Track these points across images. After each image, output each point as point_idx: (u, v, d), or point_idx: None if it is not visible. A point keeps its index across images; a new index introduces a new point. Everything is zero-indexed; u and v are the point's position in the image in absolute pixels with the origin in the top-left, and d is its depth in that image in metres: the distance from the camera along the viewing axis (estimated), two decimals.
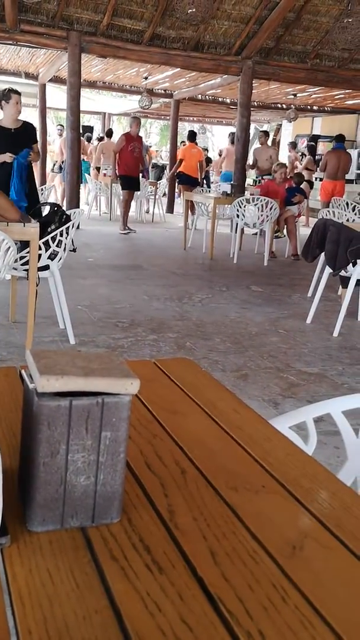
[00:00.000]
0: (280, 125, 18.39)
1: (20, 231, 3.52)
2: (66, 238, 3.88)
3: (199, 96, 13.71)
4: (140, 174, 10.25)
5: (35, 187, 5.59)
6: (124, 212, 9.90)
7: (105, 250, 8.05)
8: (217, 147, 21.08)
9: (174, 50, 9.14)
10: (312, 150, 14.00)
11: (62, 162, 11.86)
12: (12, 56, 11.04)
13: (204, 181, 13.44)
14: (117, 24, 8.70)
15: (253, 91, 10.14)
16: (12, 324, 4.28)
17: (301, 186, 8.85)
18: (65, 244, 3.88)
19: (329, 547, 0.78)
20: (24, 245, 3.68)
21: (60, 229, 3.82)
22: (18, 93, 5.38)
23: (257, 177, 10.58)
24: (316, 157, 13.68)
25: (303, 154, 13.82)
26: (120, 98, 16.28)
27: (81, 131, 10.51)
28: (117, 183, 10.12)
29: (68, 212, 4.03)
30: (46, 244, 3.77)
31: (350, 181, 12.21)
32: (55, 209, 4.05)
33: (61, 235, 3.83)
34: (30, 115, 13.11)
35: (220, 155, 14.45)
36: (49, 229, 3.84)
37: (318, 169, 11.75)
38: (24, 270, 3.76)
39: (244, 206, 7.49)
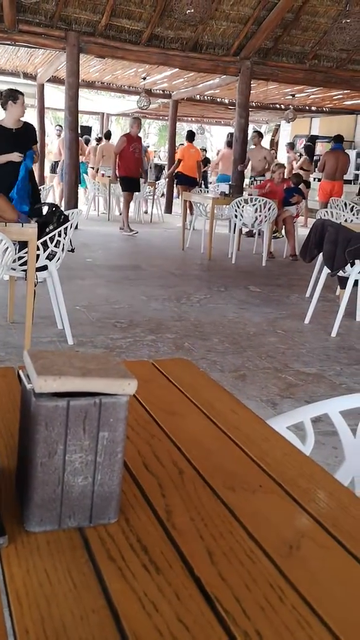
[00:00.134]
0: (279, 125, 18.40)
1: (18, 231, 3.51)
2: (64, 238, 3.87)
3: (197, 96, 13.71)
4: (140, 177, 10.22)
5: (37, 189, 5.57)
6: (126, 215, 9.88)
7: (103, 250, 8.04)
8: (216, 147, 21.09)
9: (172, 51, 9.15)
10: (309, 150, 14.01)
11: (58, 162, 11.85)
12: (11, 56, 11.05)
13: (202, 182, 13.44)
14: (115, 25, 8.71)
15: (251, 91, 10.16)
16: (10, 324, 4.28)
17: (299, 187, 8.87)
18: (63, 245, 3.88)
19: (326, 546, 0.78)
20: (22, 245, 3.67)
21: (59, 230, 3.82)
22: (23, 94, 5.37)
23: (251, 178, 10.57)
24: (314, 157, 13.69)
25: (300, 154, 13.83)
26: (118, 98, 16.28)
27: (79, 132, 10.51)
28: (117, 184, 10.10)
29: (66, 213, 4.03)
30: (44, 244, 3.77)
31: (348, 181, 12.23)
32: (54, 209, 4.04)
33: (59, 235, 3.83)
34: (28, 115, 13.06)
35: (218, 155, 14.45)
36: (47, 230, 3.84)
37: (316, 169, 11.77)
38: (22, 270, 3.77)
39: (242, 206, 7.50)
